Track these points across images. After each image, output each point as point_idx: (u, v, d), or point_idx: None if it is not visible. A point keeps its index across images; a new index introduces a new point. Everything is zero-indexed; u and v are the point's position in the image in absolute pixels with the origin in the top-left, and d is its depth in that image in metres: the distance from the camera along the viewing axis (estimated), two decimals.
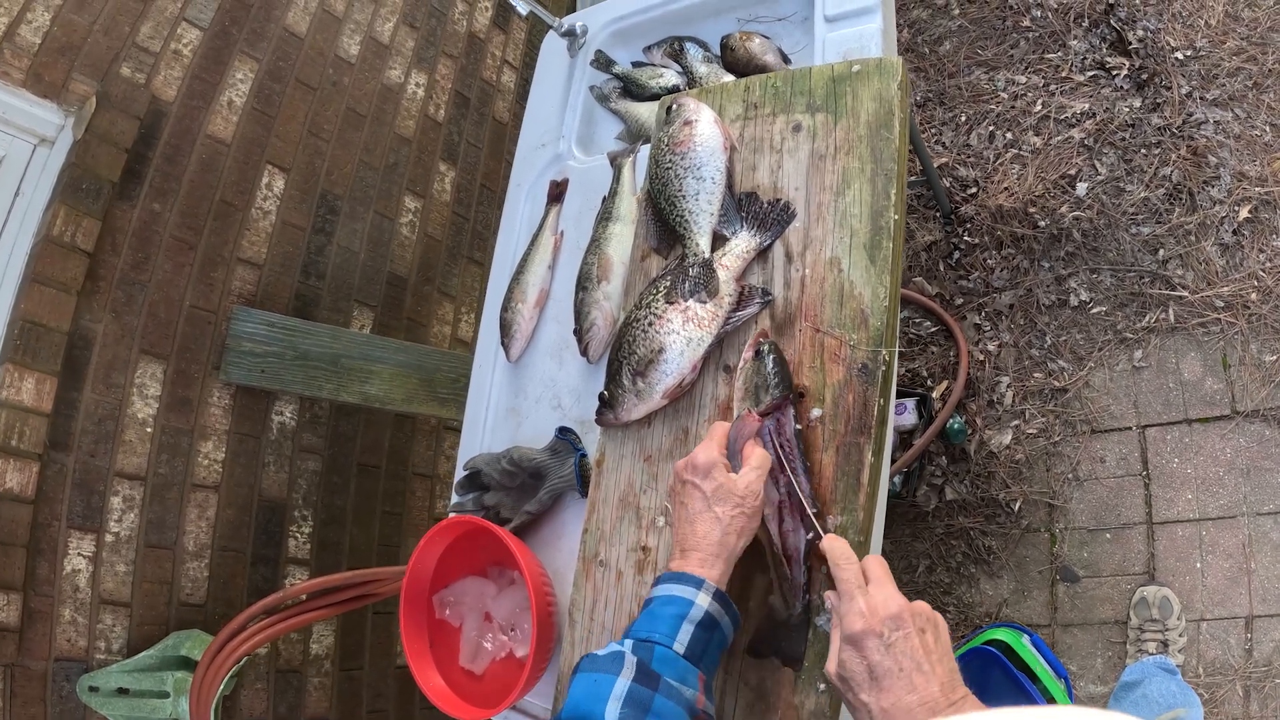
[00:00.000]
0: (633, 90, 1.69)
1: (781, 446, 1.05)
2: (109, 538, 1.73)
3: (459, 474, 1.54)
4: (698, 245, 1.21)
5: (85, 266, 1.71)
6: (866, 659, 0.81)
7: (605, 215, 1.45)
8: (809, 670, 1.02)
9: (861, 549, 1.03)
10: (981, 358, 2.29)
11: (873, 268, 1.13)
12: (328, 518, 2.09)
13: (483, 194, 2.60)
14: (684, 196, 1.23)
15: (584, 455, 1.35)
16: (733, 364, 1.17)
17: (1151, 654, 1.89)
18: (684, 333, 1.16)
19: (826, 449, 1.07)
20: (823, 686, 1.01)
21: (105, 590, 1.72)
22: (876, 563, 0.90)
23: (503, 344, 1.52)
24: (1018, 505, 2.16)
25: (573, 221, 1.56)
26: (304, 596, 1.83)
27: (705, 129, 1.25)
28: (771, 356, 1.09)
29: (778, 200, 1.21)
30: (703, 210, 1.22)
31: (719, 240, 1.22)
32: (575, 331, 1.40)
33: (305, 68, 2.13)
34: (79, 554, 1.69)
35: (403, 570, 1.80)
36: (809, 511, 1.01)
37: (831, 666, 0.85)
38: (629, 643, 0.89)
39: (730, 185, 1.24)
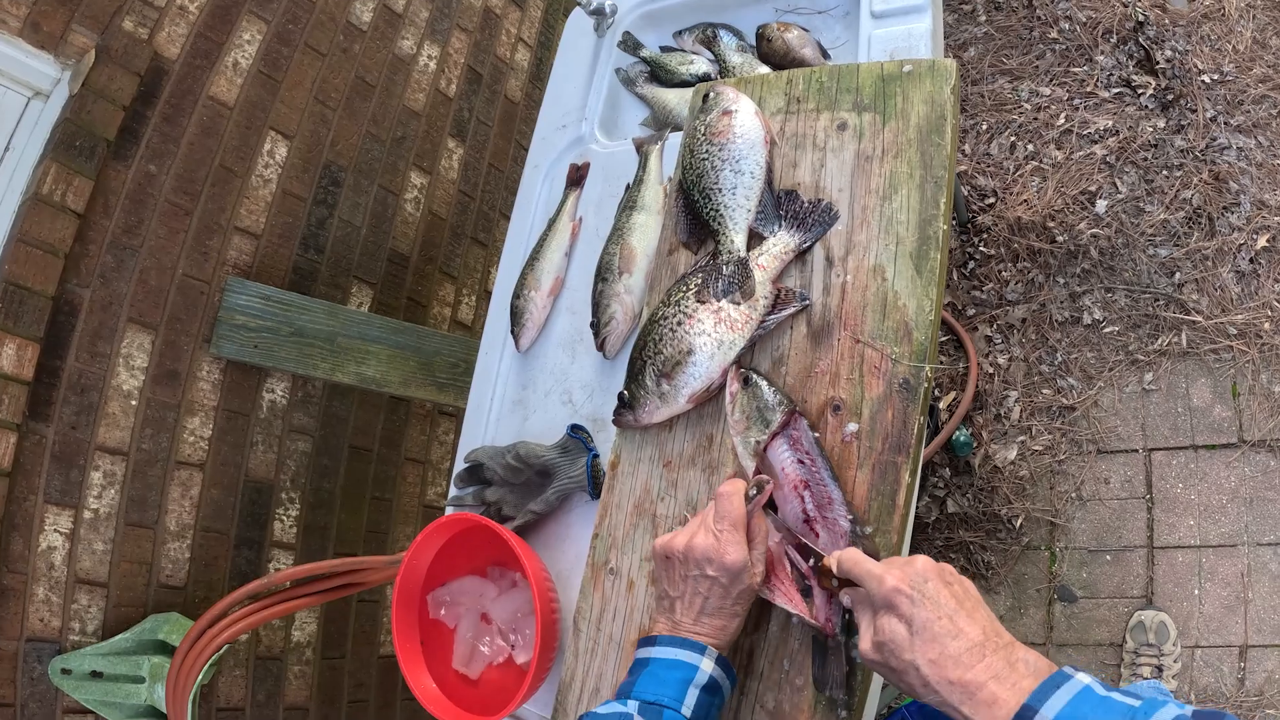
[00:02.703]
0: (660, 76, 1.63)
1: (802, 461, 1.00)
2: (87, 514, 1.65)
3: (459, 465, 1.48)
4: (733, 242, 1.15)
5: (75, 228, 1.63)
6: (902, 616, 0.78)
7: (629, 204, 1.39)
8: (830, 699, 0.98)
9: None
10: (991, 371, 2.26)
11: (919, 279, 1.08)
12: (316, 501, 2.02)
13: (490, 174, 2.53)
14: (720, 190, 1.17)
15: (596, 456, 1.29)
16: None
17: (1146, 678, 1.87)
18: (715, 334, 1.10)
19: (862, 466, 1.02)
20: (844, 714, 0.97)
21: (82, 569, 1.64)
22: (890, 560, 0.88)
23: (512, 332, 1.46)
24: (1019, 522, 2.13)
25: (592, 208, 1.50)
26: (288, 584, 1.77)
27: (746, 120, 1.19)
28: (757, 379, 1.06)
29: (820, 200, 1.16)
30: (740, 205, 1.16)
31: (755, 238, 1.16)
32: (593, 324, 1.34)
33: (315, 32, 2.05)
34: (56, 530, 1.62)
35: (392, 560, 1.75)
36: (846, 519, 0.97)
37: (866, 644, 0.82)
38: (633, 704, 0.88)
39: (769, 181, 1.18)
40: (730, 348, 1.10)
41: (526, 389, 1.45)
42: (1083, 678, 0.71)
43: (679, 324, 1.12)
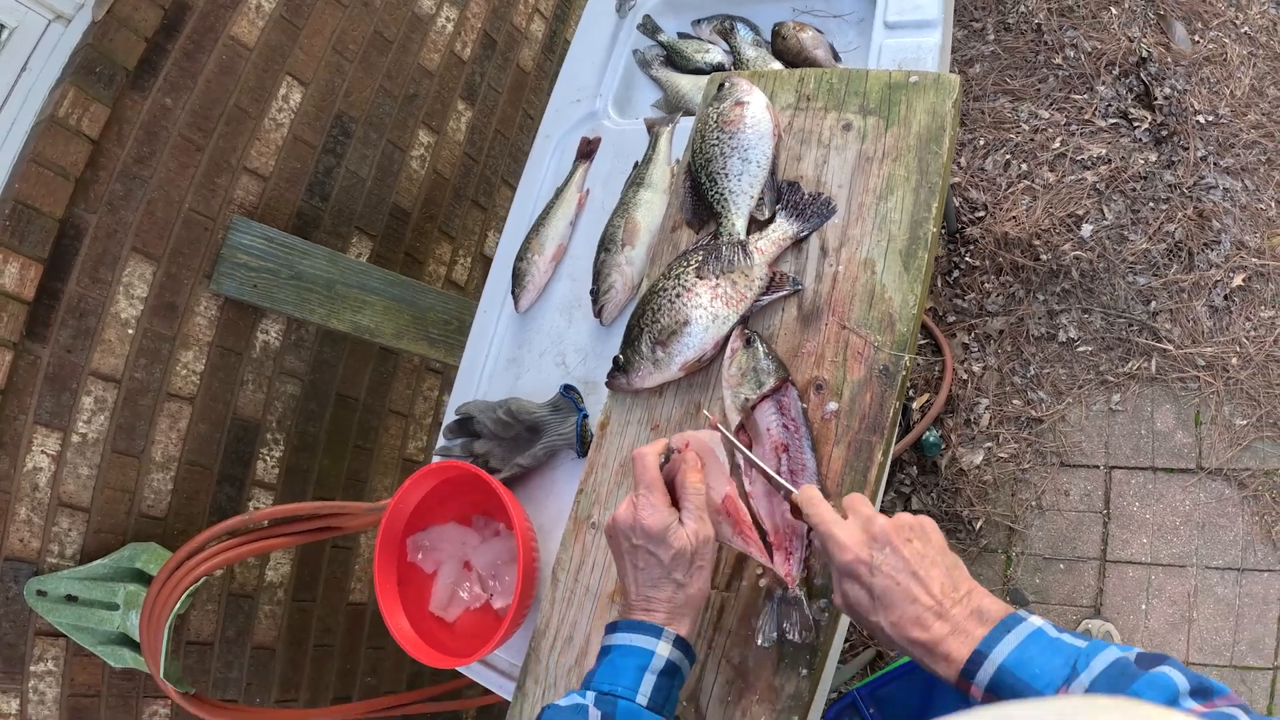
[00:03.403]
0: (676, 61, 1.68)
1: (786, 426, 1.06)
2: (75, 438, 1.68)
3: (449, 417, 1.53)
4: (734, 225, 1.20)
5: (87, 153, 1.65)
6: (863, 584, 0.83)
7: (637, 180, 1.43)
8: (793, 656, 1.03)
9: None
10: (965, 377, 2.33)
11: (906, 275, 1.14)
12: (300, 444, 2.06)
13: (496, 140, 2.56)
14: (727, 175, 1.22)
15: (586, 416, 1.35)
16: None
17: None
18: (711, 308, 1.16)
19: (839, 443, 1.09)
20: (805, 671, 1.03)
21: (65, 492, 1.67)
22: (853, 497, 0.91)
23: (513, 293, 1.50)
24: (979, 524, 2.21)
25: (600, 182, 1.55)
26: (266, 522, 1.80)
27: (758, 112, 1.25)
28: (760, 342, 1.11)
29: (820, 194, 1.22)
30: (744, 192, 1.22)
31: (755, 224, 1.22)
32: (592, 291, 1.39)
33: None
34: (42, 452, 1.64)
35: (373, 507, 1.79)
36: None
37: (837, 599, 0.88)
38: (591, 695, 0.89)
39: (773, 171, 1.24)
40: (724, 322, 1.16)
41: (522, 349, 1.50)
42: (1035, 620, 0.78)
43: (677, 296, 1.17)
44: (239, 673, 1.98)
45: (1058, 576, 2.12)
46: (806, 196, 1.22)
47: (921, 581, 0.81)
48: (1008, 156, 2.46)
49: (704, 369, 1.18)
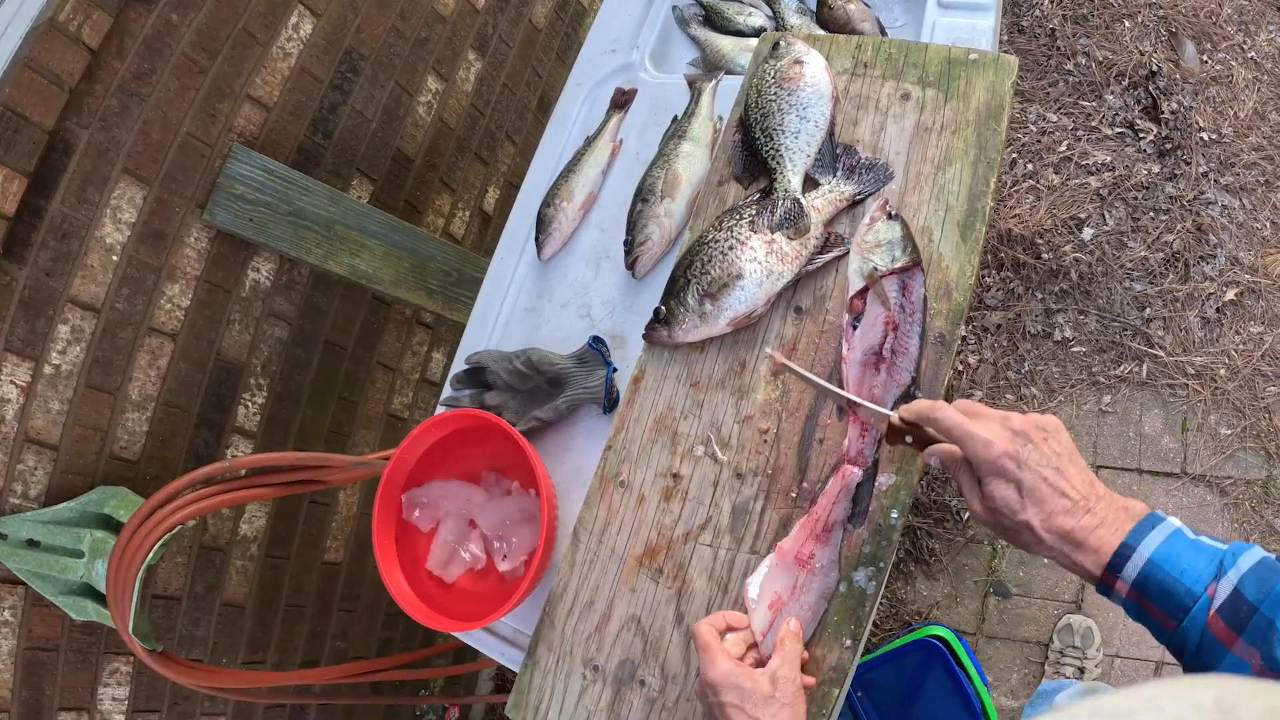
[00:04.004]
0: (715, 21, 1.64)
1: (903, 306, 1.05)
2: (48, 369, 1.57)
3: (458, 366, 1.46)
4: (790, 182, 1.17)
5: (85, 64, 1.54)
6: (1010, 479, 0.81)
7: (678, 133, 1.39)
8: (836, 626, 1.01)
9: (905, 514, 1.03)
10: (960, 369, 2.34)
11: (963, 245, 1.13)
12: (284, 391, 1.97)
13: (503, 94, 2.49)
14: (784, 132, 1.19)
15: (615, 370, 1.30)
16: (805, 306, 1.14)
17: (1067, 678, 1.97)
18: (766, 263, 1.12)
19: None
20: (848, 642, 1.00)
21: (33, 427, 1.56)
22: (967, 403, 0.89)
23: (536, 240, 1.44)
24: (967, 515, 2.22)
25: (635, 132, 1.50)
26: (244, 471, 1.72)
27: (817, 73, 1.21)
28: (900, 220, 1.08)
29: (877, 159, 1.19)
30: (800, 150, 1.18)
31: (809, 183, 1.19)
32: (626, 243, 1.34)
33: None
34: (11, 382, 1.53)
35: (357, 461, 1.71)
36: (909, 373, 1.03)
37: (976, 506, 0.85)
38: None
39: (830, 133, 1.21)
40: (778, 279, 1.12)
41: (542, 298, 1.44)
42: (1174, 521, 0.78)
43: (730, 248, 1.13)
44: (206, 630, 1.89)
45: (1041, 570, 2.14)
46: (864, 160, 1.19)
47: (1066, 476, 0.81)
48: (1014, 155, 2.47)
49: (750, 325, 1.15)
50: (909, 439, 0.92)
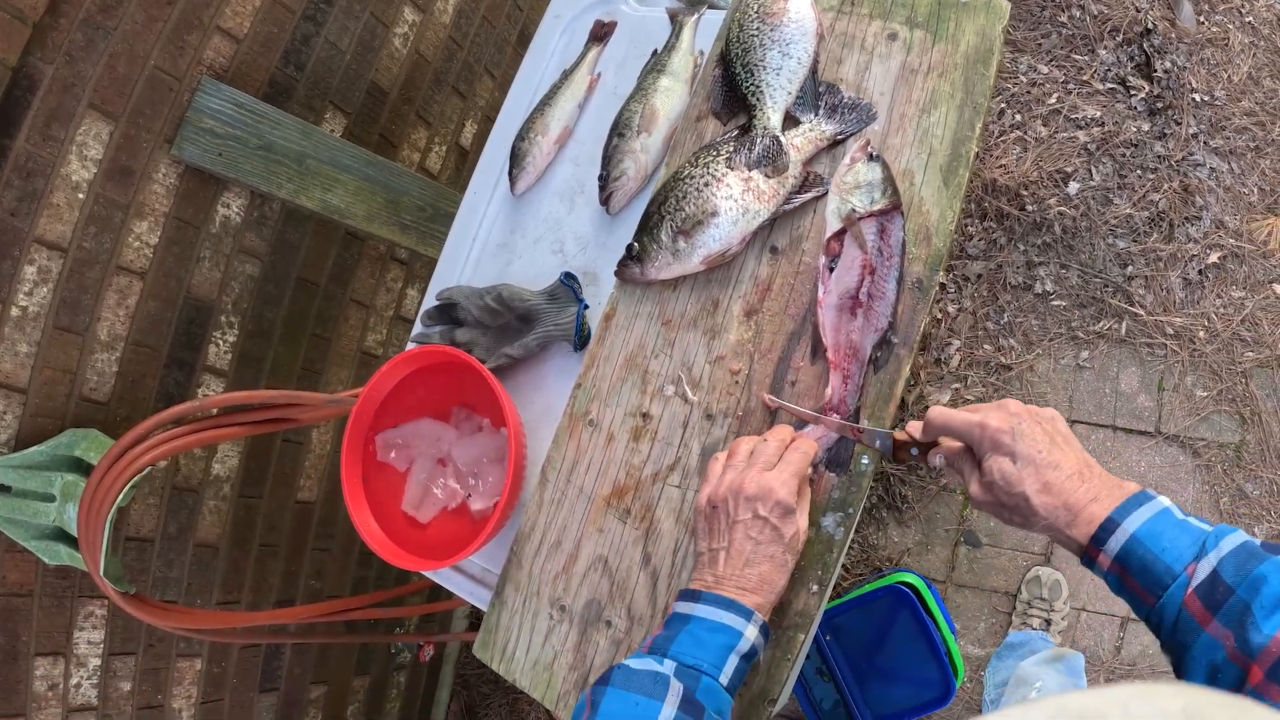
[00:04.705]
0: None
1: (881, 250, 1.04)
2: (15, 311, 1.53)
3: (428, 302, 1.44)
4: (769, 119, 1.14)
5: None
6: (1006, 452, 0.84)
7: (657, 67, 1.35)
8: (803, 571, 1.00)
9: (877, 461, 1.02)
10: (939, 317, 2.33)
11: (945, 190, 1.10)
12: (256, 329, 1.94)
13: (483, 27, 2.41)
14: (765, 68, 1.15)
15: (587, 307, 1.27)
16: (781, 246, 1.12)
17: (1034, 629, 2.00)
18: (742, 201, 1.09)
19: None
20: (815, 588, 1.00)
21: (1, 371, 1.52)
22: (972, 406, 0.93)
23: (510, 174, 1.41)
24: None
25: (613, 66, 1.45)
26: (216, 410, 1.69)
27: (801, 8, 1.17)
28: (881, 161, 1.07)
29: (860, 99, 1.16)
30: (781, 86, 1.15)
31: (790, 121, 1.16)
32: (601, 178, 1.30)
33: None
34: None
35: (330, 399, 1.68)
36: (886, 318, 1.02)
37: (974, 488, 0.88)
38: (670, 664, 0.84)
39: (813, 71, 1.18)
40: (754, 217, 1.10)
41: (514, 234, 1.41)
42: (1163, 500, 0.79)
43: (705, 185, 1.10)
44: (180, 572, 1.88)
45: None
46: (846, 99, 1.16)
47: (1060, 452, 0.84)
48: (1003, 105, 2.44)
49: (725, 264, 1.12)
50: (914, 450, 0.96)
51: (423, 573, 1.38)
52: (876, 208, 1.05)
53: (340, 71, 2.01)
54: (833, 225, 1.07)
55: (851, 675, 1.92)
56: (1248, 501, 2.10)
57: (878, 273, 1.04)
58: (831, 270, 1.06)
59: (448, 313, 1.40)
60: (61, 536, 1.55)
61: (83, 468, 1.57)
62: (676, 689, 0.81)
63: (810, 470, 0.99)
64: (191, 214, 1.78)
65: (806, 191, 1.12)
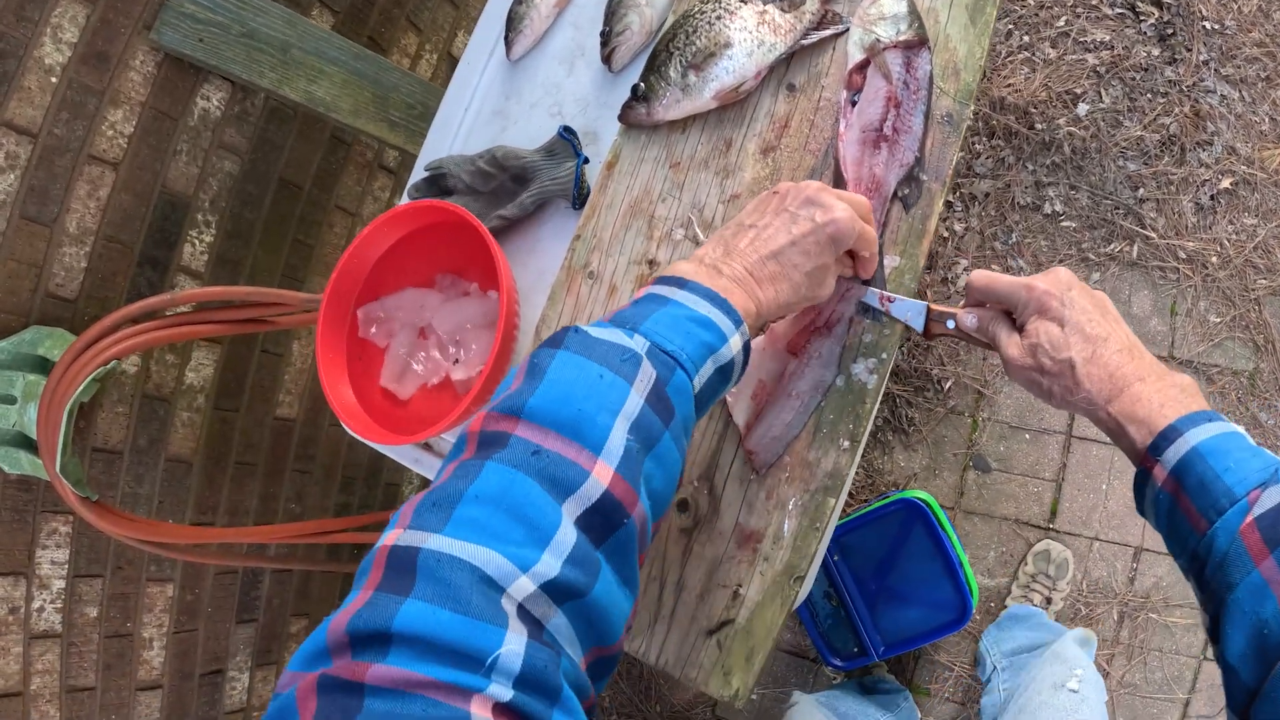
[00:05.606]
0: None
1: (908, 84, 0.97)
2: None
3: (417, 175, 1.35)
4: None
5: None
6: (1053, 316, 0.78)
7: None
8: (832, 425, 0.93)
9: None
10: (946, 235, 2.26)
11: (972, 28, 1.03)
12: (234, 230, 1.84)
13: None
14: None
15: (586, 160, 1.19)
16: (798, 83, 1.04)
17: (1034, 605, 1.93)
18: (757, 34, 1.02)
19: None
20: (846, 444, 0.92)
21: None
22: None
23: (506, 38, 1.32)
24: (948, 385, 2.16)
25: None
26: (189, 306, 1.60)
27: None
28: None
29: None
30: None
31: None
32: (603, 33, 1.22)
33: None
34: None
35: (311, 299, 1.60)
36: (913, 152, 0.96)
37: (1015, 350, 0.80)
38: (642, 341, 0.64)
39: None
40: (770, 50, 1.02)
41: (510, 100, 1.32)
42: (1237, 427, 0.71)
43: (718, 18, 1.03)
44: (150, 487, 1.79)
45: (1022, 446, 2.10)
46: None
47: (1110, 326, 0.78)
48: (1010, 26, 2.37)
49: (738, 102, 1.05)
50: (950, 324, 0.88)
51: (390, 454, 1.30)
52: (902, 38, 0.98)
53: None
54: (855, 57, 1.00)
55: (861, 598, 1.84)
56: (1262, 430, 2.05)
57: (903, 106, 0.97)
58: (854, 104, 0.99)
59: (437, 183, 1.31)
60: (23, 443, 1.46)
61: (46, 368, 1.48)
62: (648, 374, 0.62)
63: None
64: (169, 105, 1.68)
65: (824, 28, 1.04)
